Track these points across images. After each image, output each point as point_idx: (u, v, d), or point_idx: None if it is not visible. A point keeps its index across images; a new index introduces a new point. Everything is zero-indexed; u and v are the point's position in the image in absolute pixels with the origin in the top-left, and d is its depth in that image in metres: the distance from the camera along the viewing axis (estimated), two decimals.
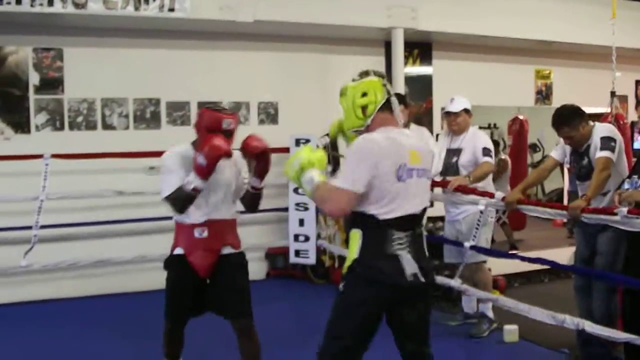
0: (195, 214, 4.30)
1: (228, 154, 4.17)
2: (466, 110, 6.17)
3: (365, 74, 3.54)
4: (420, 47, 8.84)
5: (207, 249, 4.31)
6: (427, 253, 3.51)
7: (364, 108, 3.45)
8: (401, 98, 7.21)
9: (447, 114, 6.26)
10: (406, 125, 7.04)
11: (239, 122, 4.49)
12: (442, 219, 6.83)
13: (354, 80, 3.54)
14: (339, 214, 3.42)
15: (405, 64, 8.42)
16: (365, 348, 3.47)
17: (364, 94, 3.44)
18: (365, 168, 3.25)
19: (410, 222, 3.38)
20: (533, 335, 5.92)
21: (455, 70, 8.94)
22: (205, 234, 4.33)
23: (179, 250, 4.37)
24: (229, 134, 4.28)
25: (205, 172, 4.09)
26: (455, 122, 6.17)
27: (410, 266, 3.33)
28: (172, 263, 4.40)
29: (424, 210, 3.50)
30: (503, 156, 10.22)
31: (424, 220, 3.93)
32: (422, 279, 3.36)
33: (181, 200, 4.16)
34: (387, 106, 3.46)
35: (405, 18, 8.06)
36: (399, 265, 3.32)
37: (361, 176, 3.25)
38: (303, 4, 7.61)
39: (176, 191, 4.13)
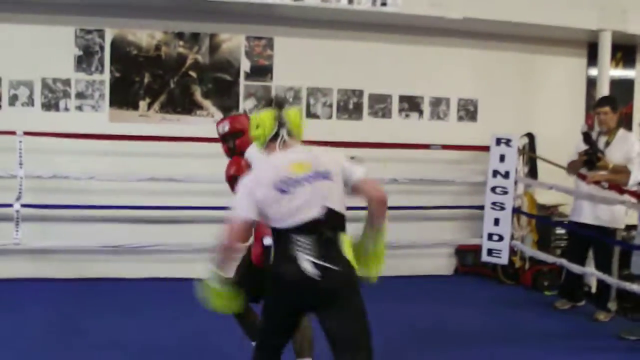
0: None
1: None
2: None
3: (267, 103, 3.80)
4: (624, 50, 8.57)
5: (256, 238, 4.49)
6: (343, 256, 3.51)
7: (257, 138, 3.75)
8: (609, 100, 6.99)
9: None
10: (616, 129, 6.79)
11: (239, 123, 4.66)
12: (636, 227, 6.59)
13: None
14: (236, 240, 3.55)
15: None
16: (282, 343, 3.75)
17: (257, 127, 3.73)
18: (246, 197, 3.51)
19: (313, 227, 3.46)
20: None
21: None
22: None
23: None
24: (227, 137, 4.71)
25: None
26: None
27: (306, 265, 3.43)
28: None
29: (333, 212, 3.52)
30: None
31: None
32: (317, 278, 3.42)
33: None
34: (276, 136, 3.70)
35: (616, 20, 7.83)
36: (297, 265, 3.43)
37: (245, 204, 3.51)
38: (514, 3, 7.54)
39: None
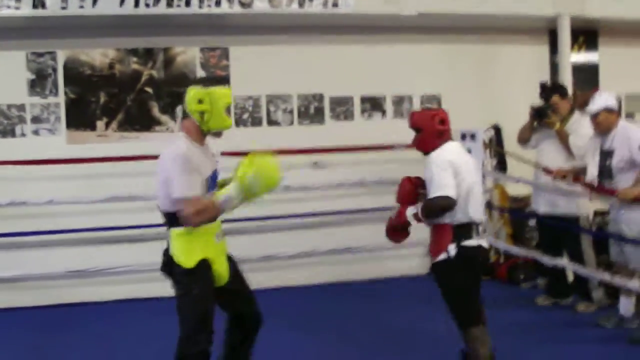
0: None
1: None
2: (608, 110, 5.73)
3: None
4: (586, 35, 8.51)
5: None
6: (168, 246, 4.08)
7: None
8: (557, 88, 6.84)
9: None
10: (569, 114, 6.63)
11: None
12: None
13: None
14: None
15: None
16: None
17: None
18: None
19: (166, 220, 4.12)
20: None
21: (624, 57, 8.55)
22: None
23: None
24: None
25: None
26: (595, 122, 5.82)
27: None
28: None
29: (166, 211, 4.03)
30: None
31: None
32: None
33: None
34: None
35: (572, 5, 7.77)
36: None
37: None
38: None
39: None
